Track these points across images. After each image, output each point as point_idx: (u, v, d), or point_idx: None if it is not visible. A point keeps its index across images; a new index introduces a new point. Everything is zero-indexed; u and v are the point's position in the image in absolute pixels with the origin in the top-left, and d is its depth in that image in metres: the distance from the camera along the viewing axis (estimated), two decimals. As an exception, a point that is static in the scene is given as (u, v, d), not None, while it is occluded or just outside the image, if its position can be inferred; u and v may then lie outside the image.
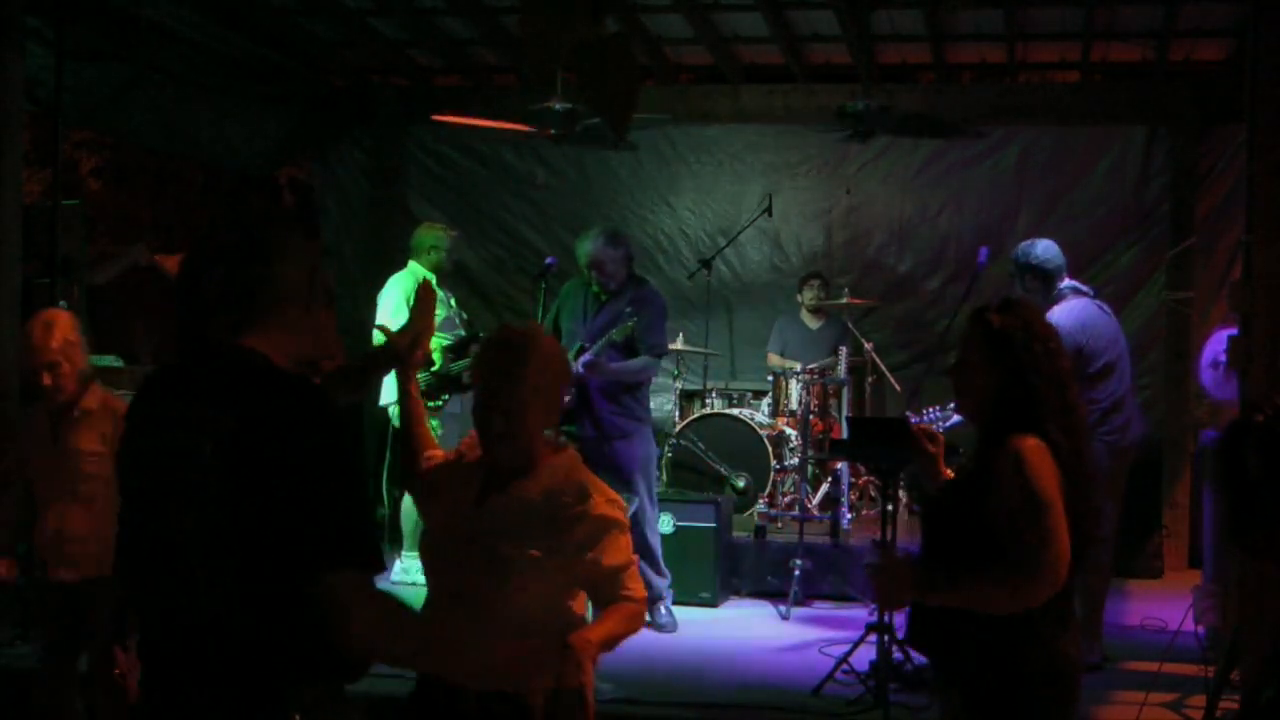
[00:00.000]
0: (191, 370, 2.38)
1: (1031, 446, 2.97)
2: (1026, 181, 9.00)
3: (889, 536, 5.44)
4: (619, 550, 2.95)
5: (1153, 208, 8.76)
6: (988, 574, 2.94)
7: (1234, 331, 5.27)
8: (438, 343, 6.86)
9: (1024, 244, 6.09)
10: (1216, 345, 6.38)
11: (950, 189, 9.15)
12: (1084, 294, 6.02)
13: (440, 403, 7.06)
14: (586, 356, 6.20)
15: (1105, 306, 6.12)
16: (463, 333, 7.19)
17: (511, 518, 2.94)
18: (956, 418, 5.80)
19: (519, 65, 8.86)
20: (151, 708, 2.33)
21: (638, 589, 2.98)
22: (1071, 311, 5.83)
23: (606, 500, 2.97)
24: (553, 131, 7.60)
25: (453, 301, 7.22)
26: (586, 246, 6.40)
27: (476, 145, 9.46)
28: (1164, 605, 6.64)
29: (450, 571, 2.98)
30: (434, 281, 6.80)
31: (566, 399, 6.29)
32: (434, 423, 7.05)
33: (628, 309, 6.34)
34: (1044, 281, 5.93)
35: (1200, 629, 5.55)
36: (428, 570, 3.06)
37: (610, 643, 2.87)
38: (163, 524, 2.28)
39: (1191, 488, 8.18)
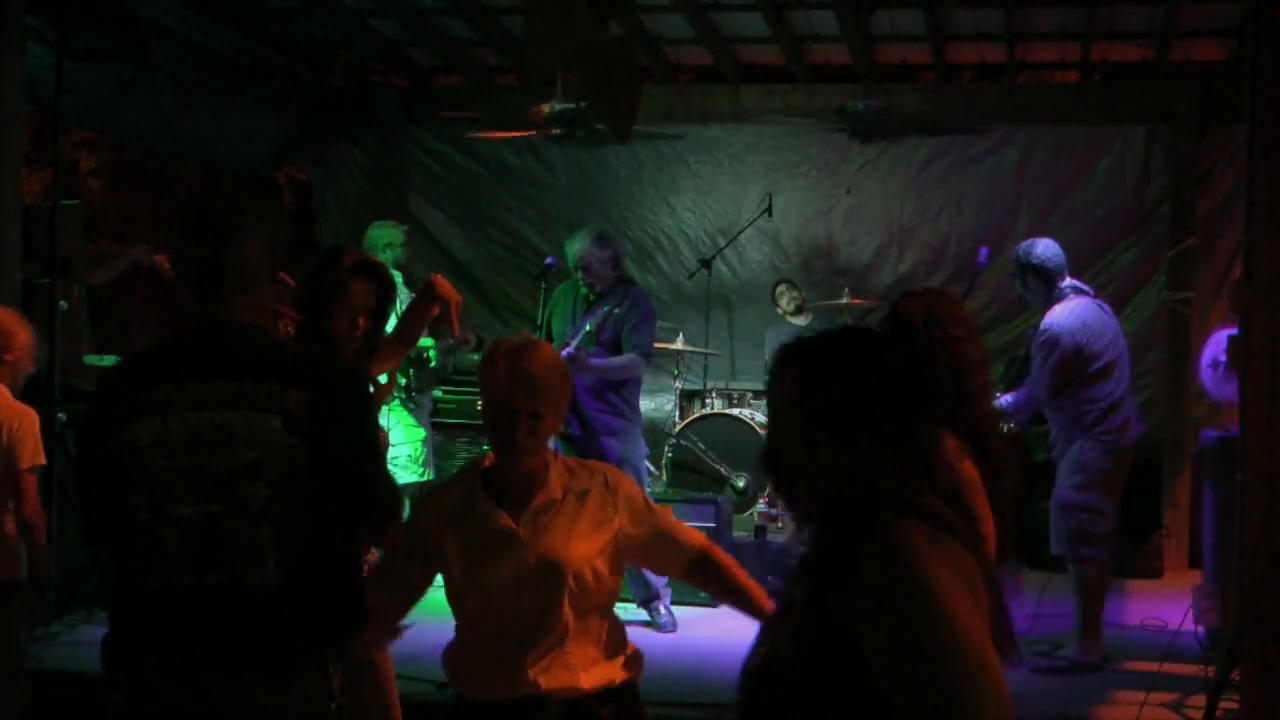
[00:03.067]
0: (196, 348, 2.43)
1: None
2: (1026, 181, 8.99)
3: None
4: (654, 508, 3.16)
5: (1153, 208, 8.74)
6: None
7: (1234, 331, 5.27)
8: (430, 339, 6.85)
9: (1024, 243, 6.10)
10: (1216, 345, 6.38)
11: (950, 189, 9.14)
12: (1085, 293, 6.03)
13: (441, 395, 7.05)
14: (568, 350, 6.22)
15: (1105, 306, 6.14)
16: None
17: (565, 526, 2.94)
18: (1004, 399, 5.76)
19: (519, 65, 8.85)
20: (194, 679, 2.32)
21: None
22: (1073, 311, 5.84)
23: (612, 471, 3.10)
24: (556, 132, 7.59)
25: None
26: (575, 247, 6.42)
27: (476, 145, 9.44)
28: (1164, 605, 6.62)
29: (524, 597, 2.88)
30: (400, 280, 6.79)
31: None
32: (421, 432, 7.02)
33: (615, 310, 6.35)
34: (1045, 281, 5.94)
35: (1200, 629, 5.56)
36: (485, 612, 2.90)
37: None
38: (227, 499, 2.32)
39: (1191, 488, 8.17)
